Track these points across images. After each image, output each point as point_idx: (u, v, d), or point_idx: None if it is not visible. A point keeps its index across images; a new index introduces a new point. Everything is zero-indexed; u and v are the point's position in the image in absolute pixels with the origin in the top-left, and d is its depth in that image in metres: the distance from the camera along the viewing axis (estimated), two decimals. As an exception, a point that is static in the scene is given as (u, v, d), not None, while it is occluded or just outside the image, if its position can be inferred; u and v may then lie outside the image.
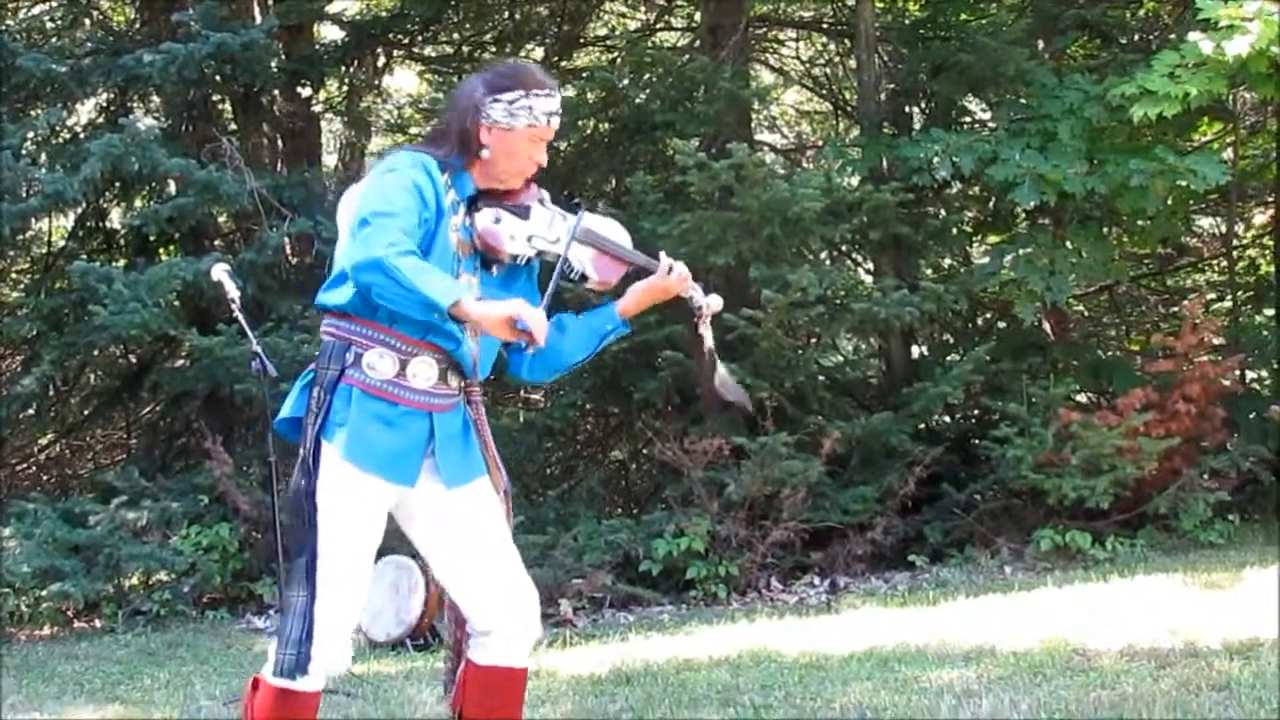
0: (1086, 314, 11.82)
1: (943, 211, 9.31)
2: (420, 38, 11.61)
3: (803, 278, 7.77)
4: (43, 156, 9.02)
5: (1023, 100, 8.81)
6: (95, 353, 9.53)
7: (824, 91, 12.43)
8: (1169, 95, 7.39)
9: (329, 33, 11.68)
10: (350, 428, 3.00)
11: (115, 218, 10.17)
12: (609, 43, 12.19)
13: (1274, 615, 5.17)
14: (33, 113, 8.99)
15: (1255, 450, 8.36)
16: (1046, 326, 9.77)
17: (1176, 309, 10.79)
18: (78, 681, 6.20)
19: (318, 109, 11.29)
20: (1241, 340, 9.67)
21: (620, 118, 9.63)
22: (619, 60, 11.15)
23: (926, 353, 10.10)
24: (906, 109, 10.00)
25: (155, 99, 10.02)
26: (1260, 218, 11.50)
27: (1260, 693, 4.22)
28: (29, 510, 8.06)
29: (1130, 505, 7.98)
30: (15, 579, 7.81)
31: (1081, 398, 9.48)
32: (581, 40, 12.10)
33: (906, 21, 10.51)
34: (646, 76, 9.83)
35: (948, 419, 9.34)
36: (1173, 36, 8.64)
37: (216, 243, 9.74)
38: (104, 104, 10.13)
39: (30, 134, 8.75)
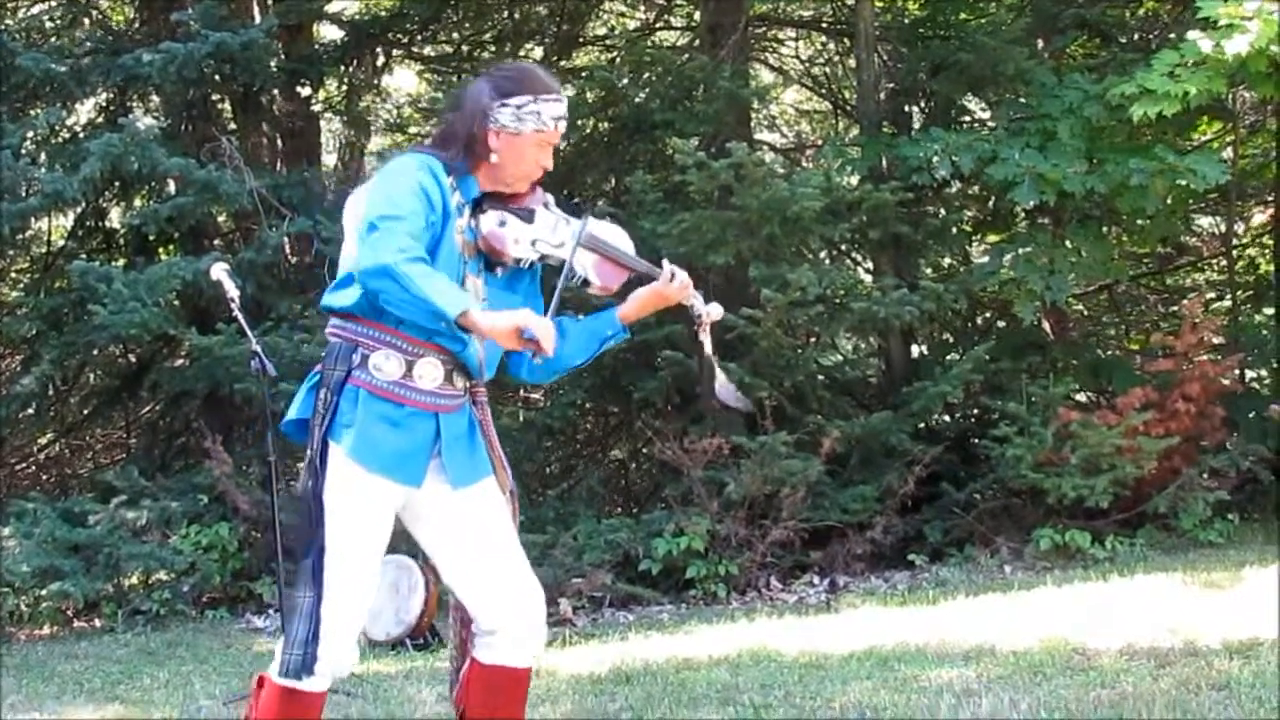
0: (1086, 313, 11.83)
1: (942, 211, 9.31)
2: (419, 37, 11.62)
3: (802, 277, 7.77)
4: (42, 156, 9.01)
5: (1022, 99, 8.81)
6: (95, 352, 9.53)
7: (823, 91, 12.43)
8: (1168, 94, 7.39)
9: (328, 32, 11.69)
10: (357, 429, 3.01)
11: (115, 217, 10.17)
12: (608, 42, 12.19)
13: (1273, 614, 5.17)
14: (32, 112, 8.99)
15: (1255, 449, 8.36)
16: (1046, 326, 9.77)
17: (1176, 308, 10.81)
18: (77, 681, 6.20)
19: (317, 108, 11.30)
20: (1241, 339, 9.68)
21: (619, 117, 9.63)
22: (618, 59, 11.15)
23: (926, 352, 10.10)
24: (906, 108, 10.00)
25: (155, 98, 10.02)
26: (1260, 217, 11.51)
27: (1260, 692, 4.22)
28: (29, 510, 8.06)
29: (1130, 504, 7.98)
30: (15, 578, 7.81)
31: (1081, 397, 9.49)
32: (581, 39, 12.11)
33: (906, 21, 10.51)
34: (646, 76, 9.83)
35: (947, 418, 9.34)
36: (1172, 35, 8.65)
37: (216, 242, 9.75)
38: (103, 103, 10.13)
39: (30, 133, 8.74)
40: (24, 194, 8.40)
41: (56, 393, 10.11)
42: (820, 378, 8.85)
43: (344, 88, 11.80)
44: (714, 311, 3.27)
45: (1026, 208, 8.90)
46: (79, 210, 9.64)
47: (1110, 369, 9.56)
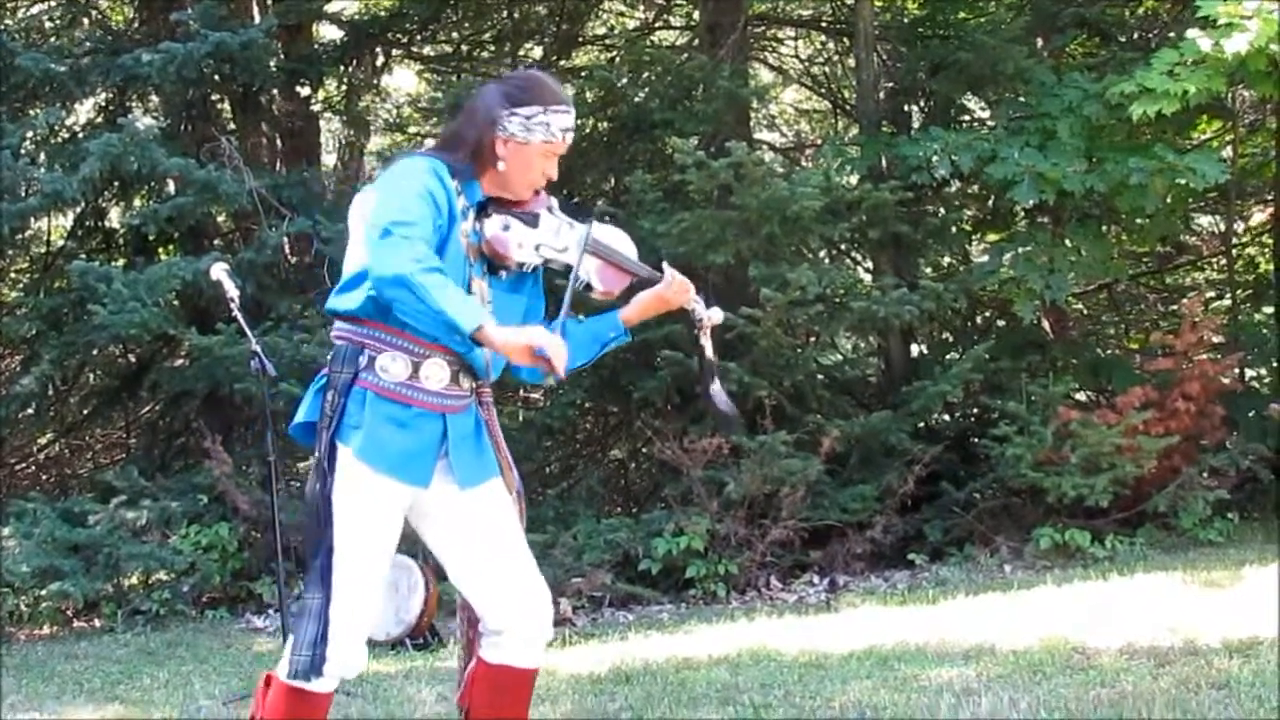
0: (1086, 312, 11.83)
1: (942, 210, 9.31)
2: (419, 37, 11.61)
3: (802, 276, 7.76)
4: (41, 156, 9.00)
5: (1022, 98, 8.80)
6: (94, 352, 9.52)
7: (823, 90, 12.43)
8: (1168, 93, 7.38)
9: (328, 32, 11.69)
10: (365, 430, 3.02)
11: (114, 217, 10.16)
12: (608, 42, 12.19)
13: (1273, 613, 5.17)
14: (31, 112, 8.98)
15: (1254, 448, 8.37)
16: (1046, 325, 9.77)
17: (1176, 307, 10.80)
18: (77, 681, 6.19)
19: (317, 108, 11.30)
20: (1240, 338, 9.68)
21: (619, 116, 9.62)
22: (618, 59, 11.14)
23: (926, 351, 10.10)
24: (905, 107, 10.00)
25: (154, 98, 10.02)
26: (1259, 216, 11.51)
27: (1259, 691, 4.22)
28: (28, 510, 8.06)
29: (1129, 503, 7.98)
30: (15, 579, 7.81)
31: (1081, 396, 9.48)
32: (580, 39, 12.11)
33: (905, 20, 10.51)
34: (645, 75, 9.82)
35: (947, 417, 9.34)
36: (1172, 34, 8.64)
37: (216, 242, 9.74)
38: (103, 103, 10.13)
39: (29, 133, 8.74)
40: (23, 194, 8.39)
41: (56, 393, 10.11)
42: (820, 377, 8.84)
43: (343, 88, 11.80)
44: (714, 316, 3.29)
45: (1026, 207, 8.90)
46: (78, 210, 9.63)
47: (1110, 368, 9.56)
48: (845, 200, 8.47)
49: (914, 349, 9.90)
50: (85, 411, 10.85)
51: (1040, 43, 9.64)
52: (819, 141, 12.03)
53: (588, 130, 9.87)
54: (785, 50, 12.42)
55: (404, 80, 13.37)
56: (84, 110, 10.22)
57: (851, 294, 8.79)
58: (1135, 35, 10.09)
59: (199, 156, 8.80)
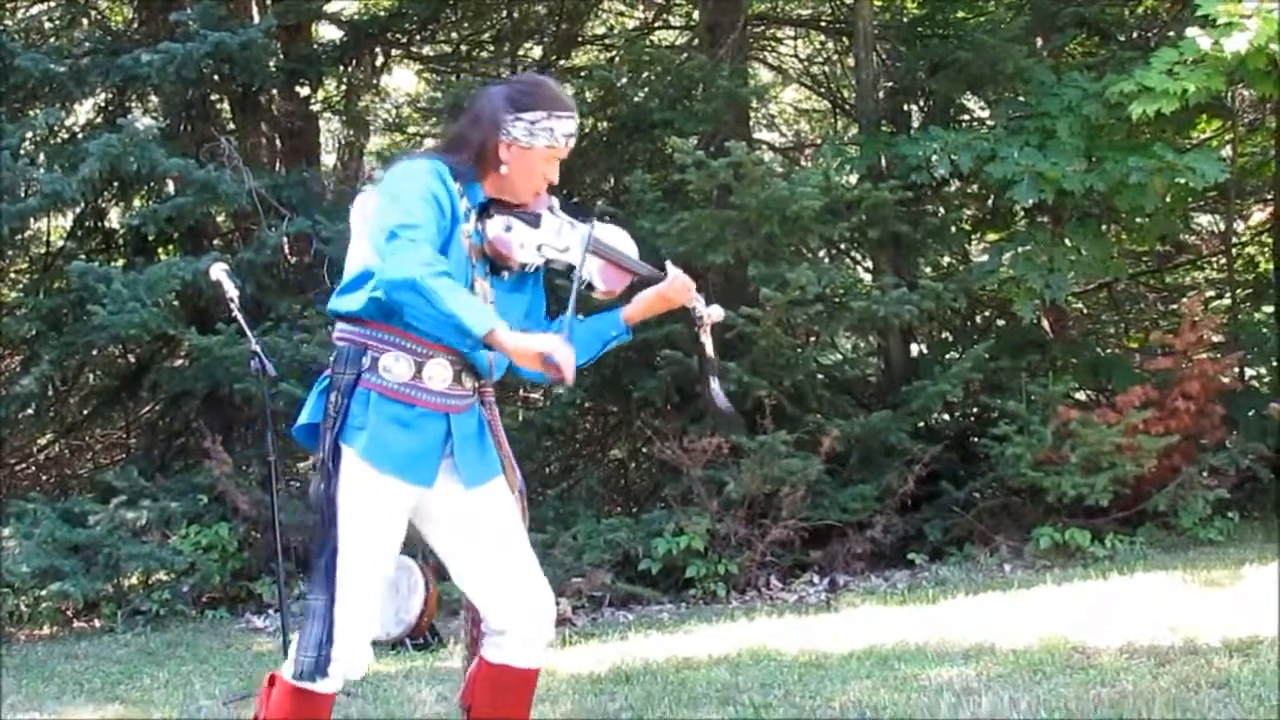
0: (1085, 311, 11.82)
1: (941, 209, 9.30)
2: (418, 37, 11.61)
3: (801, 276, 7.76)
4: (41, 156, 9.00)
5: (1021, 98, 8.80)
6: (94, 352, 9.53)
7: (822, 90, 12.43)
8: (1167, 92, 7.38)
9: (327, 32, 11.69)
10: (369, 431, 3.02)
11: (114, 217, 10.16)
12: (607, 41, 12.18)
13: (1273, 613, 5.18)
14: (31, 112, 8.98)
15: (1254, 448, 8.36)
16: (1045, 324, 9.77)
17: (1175, 306, 10.79)
18: (77, 681, 6.20)
19: (316, 108, 11.29)
20: (1240, 337, 9.68)
21: (618, 116, 9.62)
22: (617, 59, 11.14)
23: (925, 351, 10.09)
24: (905, 107, 10.00)
25: (153, 98, 10.02)
26: (1259, 215, 11.51)
27: (1259, 690, 4.22)
28: (28, 510, 8.06)
29: (1129, 503, 7.98)
30: (15, 579, 7.81)
31: (1080, 395, 9.48)
32: (580, 39, 12.11)
33: (905, 19, 10.51)
34: (645, 75, 9.82)
35: (947, 417, 9.34)
36: (1171, 33, 8.64)
37: (215, 242, 9.74)
38: (102, 104, 10.13)
39: (29, 134, 8.74)
40: (23, 194, 8.39)
41: (56, 393, 10.11)
42: (820, 377, 8.84)
43: (343, 87, 11.80)
44: (715, 313, 3.30)
45: (1026, 206, 8.90)
46: (78, 210, 9.64)
47: (1110, 367, 9.56)
48: (845, 200, 8.46)
49: (914, 348, 9.90)
50: (85, 412, 10.86)
51: (1040, 42, 9.64)
52: (818, 141, 12.03)
53: (587, 130, 9.86)
54: (785, 50, 12.42)
55: (403, 80, 13.37)
56: (83, 111, 10.22)
57: (851, 293, 8.79)
58: (1135, 34, 10.09)
59: (198, 157, 8.80)
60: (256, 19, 9.53)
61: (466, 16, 11.50)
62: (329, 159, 12.53)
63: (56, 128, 9.27)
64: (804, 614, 6.78)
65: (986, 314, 10.34)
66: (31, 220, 9.15)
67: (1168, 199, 8.53)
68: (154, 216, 8.56)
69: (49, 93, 8.98)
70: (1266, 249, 11.02)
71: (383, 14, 11.70)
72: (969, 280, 8.89)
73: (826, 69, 12.25)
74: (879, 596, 7.12)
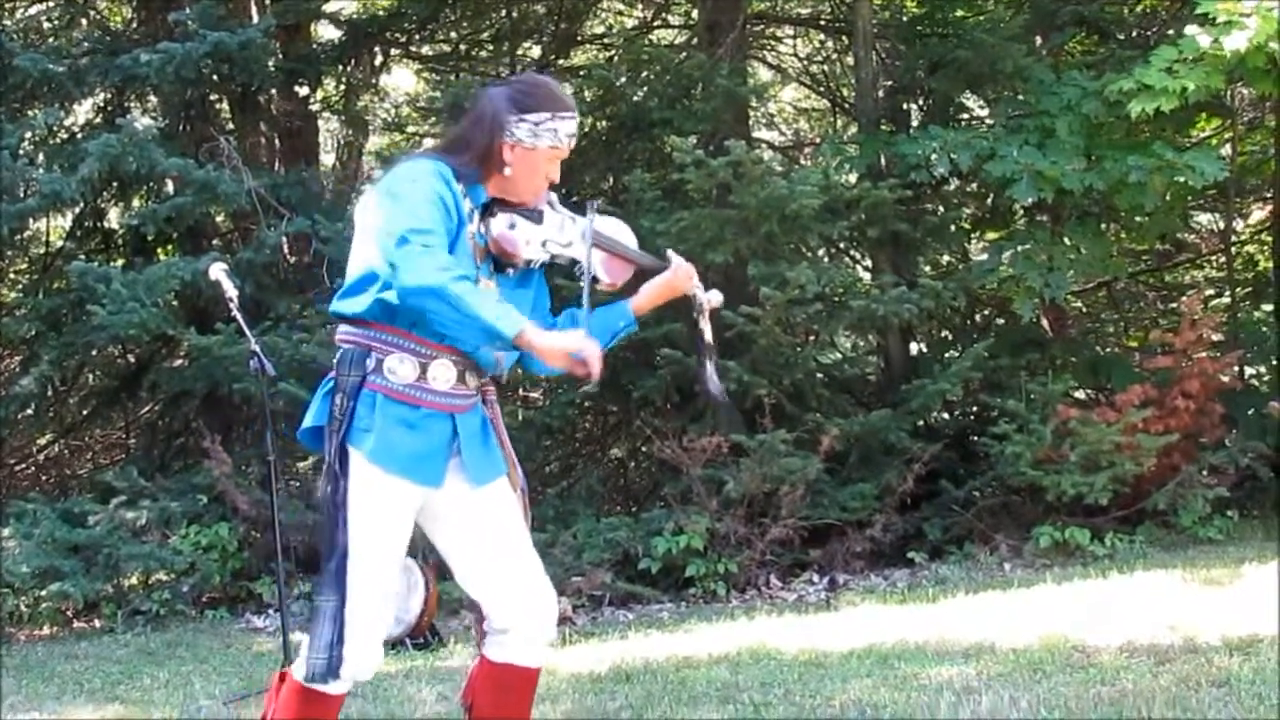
0: (1085, 310, 11.83)
1: (941, 208, 9.31)
2: (417, 36, 11.61)
3: (801, 275, 7.76)
4: (40, 156, 8.99)
5: (1020, 97, 8.80)
6: (94, 352, 9.52)
7: (821, 88, 12.43)
8: (1167, 91, 7.38)
9: (326, 32, 11.69)
10: (376, 432, 3.03)
11: (113, 217, 10.16)
12: (606, 40, 12.19)
13: (1273, 611, 5.18)
14: (30, 113, 8.97)
15: (1254, 446, 8.36)
16: (1045, 323, 9.77)
17: (1175, 305, 10.80)
18: (77, 681, 6.20)
19: (315, 108, 11.29)
20: (1240, 336, 9.68)
21: (618, 115, 9.62)
22: (616, 58, 11.14)
23: (925, 350, 10.09)
24: (904, 106, 9.99)
25: (153, 98, 10.01)
26: (1258, 213, 11.51)
27: (1260, 689, 4.22)
28: (28, 510, 8.06)
29: (1129, 502, 7.98)
30: (15, 579, 7.81)
31: (1080, 394, 9.49)
32: (579, 38, 12.11)
33: (904, 18, 10.50)
34: (644, 74, 9.82)
35: (946, 416, 9.34)
36: (1170, 32, 8.63)
37: (214, 242, 9.74)
38: (101, 104, 10.13)
39: (28, 134, 8.73)
40: (22, 194, 8.39)
41: (56, 393, 10.10)
42: (819, 376, 8.83)
43: (342, 87, 11.80)
44: (714, 298, 3.35)
45: (1025, 205, 8.90)
46: (77, 211, 9.63)
47: (1109, 366, 9.55)
48: (844, 199, 8.46)
49: (913, 347, 9.90)
50: (85, 412, 10.85)
51: (1039, 41, 9.63)
52: (818, 140, 12.03)
53: (586, 129, 9.86)
54: (784, 49, 12.42)
55: (402, 80, 13.37)
56: (83, 111, 10.22)
57: (850, 292, 8.79)
58: (1134, 33, 10.08)
59: (198, 156, 8.80)
60: (255, 19, 9.53)
61: (465, 16, 11.50)
62: (328, 159, 12.53)
63: (56, 128, 9.26)
64: (804, 613, 6.78)
65: (986, 313, 10.34)
66: (31, 220, 9.15)
67: (1167, 197, 8.52)
68: (153, 216, 8.56)
69: (48, 93, 8.97)
70: (1266, 247, 11.02)
71: (382, 13, 11.70)
72: (968, 279, 8.89)
73: (826, 68, 12.25)
74: (879, 595, 7.12)
